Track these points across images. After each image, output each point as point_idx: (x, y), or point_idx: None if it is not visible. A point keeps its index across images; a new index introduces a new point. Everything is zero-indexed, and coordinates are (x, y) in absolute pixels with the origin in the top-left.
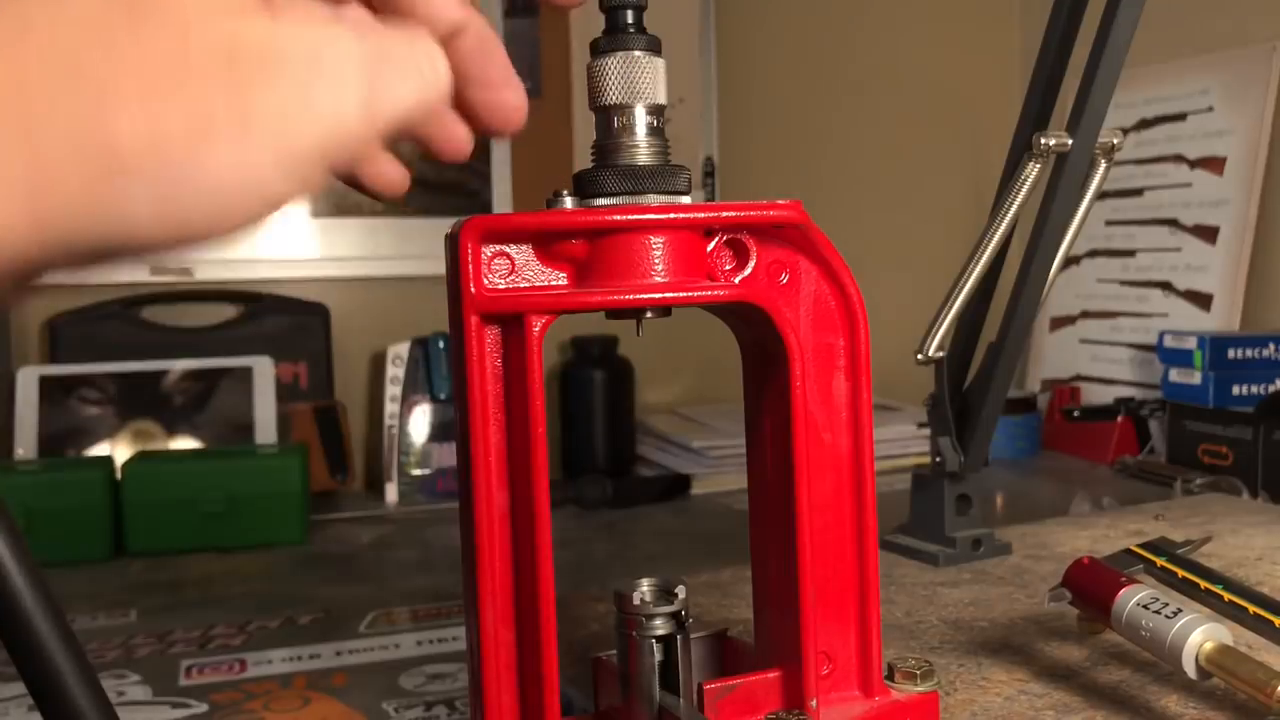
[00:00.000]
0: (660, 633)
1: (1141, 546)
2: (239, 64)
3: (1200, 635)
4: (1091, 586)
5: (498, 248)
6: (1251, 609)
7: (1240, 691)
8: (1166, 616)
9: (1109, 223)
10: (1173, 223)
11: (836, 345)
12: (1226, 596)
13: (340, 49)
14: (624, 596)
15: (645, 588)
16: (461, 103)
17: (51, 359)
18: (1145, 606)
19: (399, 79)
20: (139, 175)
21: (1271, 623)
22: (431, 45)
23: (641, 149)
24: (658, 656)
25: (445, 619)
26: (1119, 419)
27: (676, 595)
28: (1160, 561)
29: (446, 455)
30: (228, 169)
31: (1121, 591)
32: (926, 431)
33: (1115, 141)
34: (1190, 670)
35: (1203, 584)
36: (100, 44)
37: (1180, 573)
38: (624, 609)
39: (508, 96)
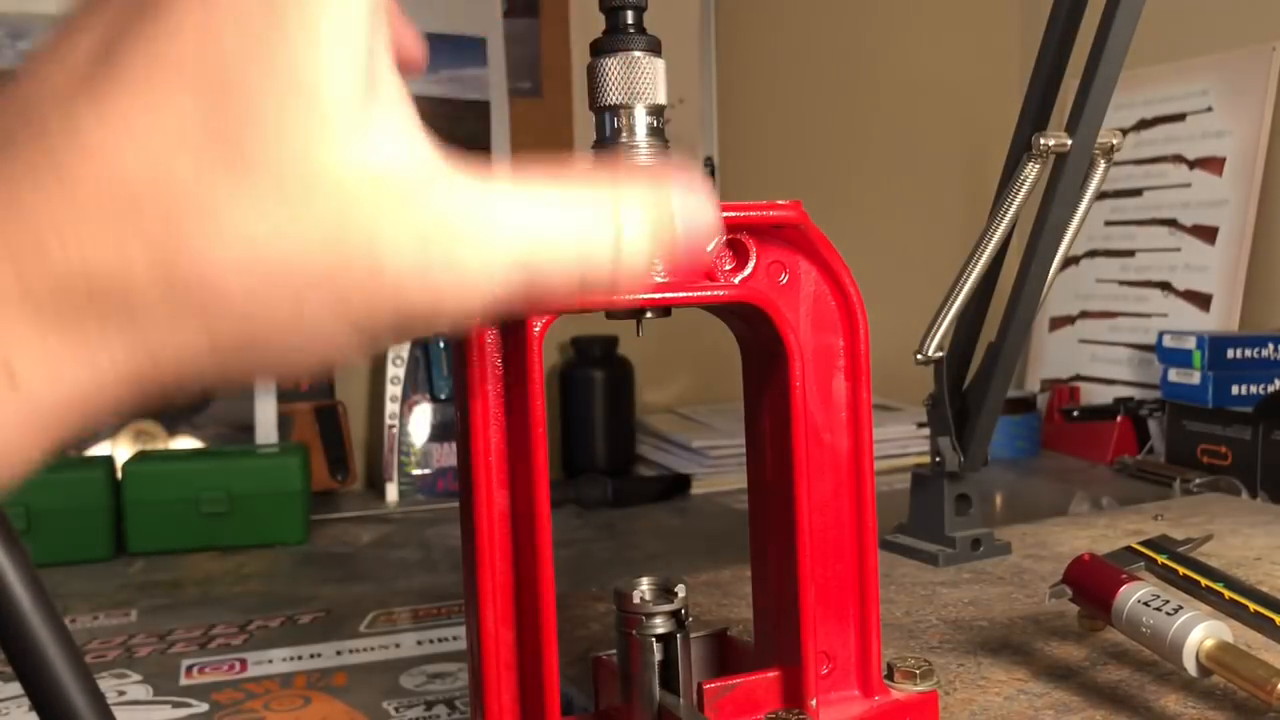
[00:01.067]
0: (660, 632)
1: (1142, 544)
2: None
3: (1201, 632)
4: (1092, 583)
5: None
6: (1252, 607)
7: (1240, 689)
8: (1167, 614)
9: (1108, 223)
10: (1172, 223)
11: (836, 345)
12: (1227, 594)
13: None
14: (624, 595)
15: (645, 587)
16: None
17: None
18: (1146, 604)
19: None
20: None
21: (1272, 620)
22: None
23: (641, 149)
24: (658, 656)
25: (445, 619)
26: (1118, 419)
27: (676, 594)
28: (1161, 559)
29: (446, 455)
30: (300, 344)
31: (1122, 588)
32: (926, 431)
33: (1114, 142)
34: (1191, 667)
35: (1203, 581)
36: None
37: (1181, 570)
38: (624, 608)
39: None
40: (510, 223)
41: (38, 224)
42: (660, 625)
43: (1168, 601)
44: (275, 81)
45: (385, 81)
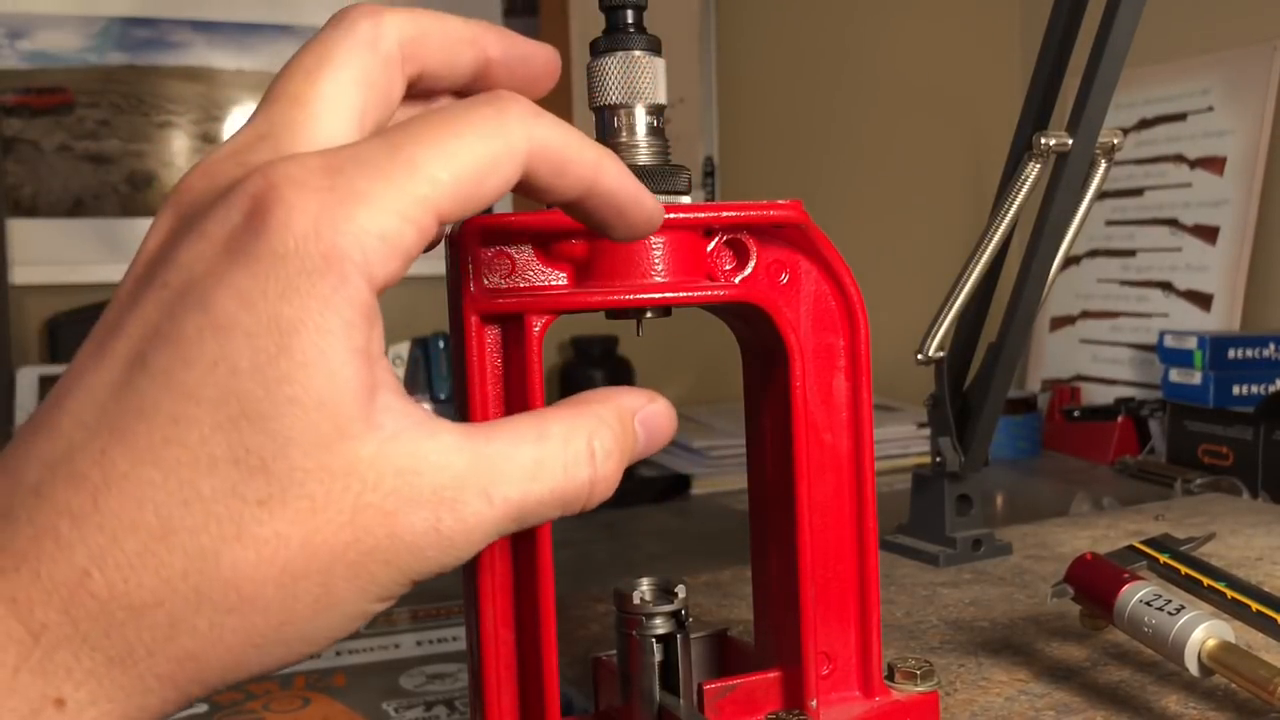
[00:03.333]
0: (660, 632)
1: (1144, 543)
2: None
3: (1203, 632)
4: (1094, 582)
5: (498, 248)
6: (1254, 606)
7: (1242, 689)
8: (1169, 613)
9: (1109, 223)
10: (1173, 223)
11: (836, 345)
12: (1229, 593)
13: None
14: (624, 596)
15: (645, 587)
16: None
17: (51, 359)
18: (1148, 603)
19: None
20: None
21: (1274, 620)
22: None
23: (641, 149)
24: (658, 656)
25: (445, 619)
26: (1119, 419)
27: (676, 595)
28: (1163, 558)
29: None
30: (328, 623)
31: (1124, 588)
32: (926, 431)
33: (1115, 141)
34: (1192, 667)
35: (1205, 581)
36: (231, 524)
37: (1183, 569)
38: (624, 609)
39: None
40: (501, 472)
41: (79, 559)
42: (660, 626)
43: (1170, 601)
44: (290, 399)
45: (380, 369)
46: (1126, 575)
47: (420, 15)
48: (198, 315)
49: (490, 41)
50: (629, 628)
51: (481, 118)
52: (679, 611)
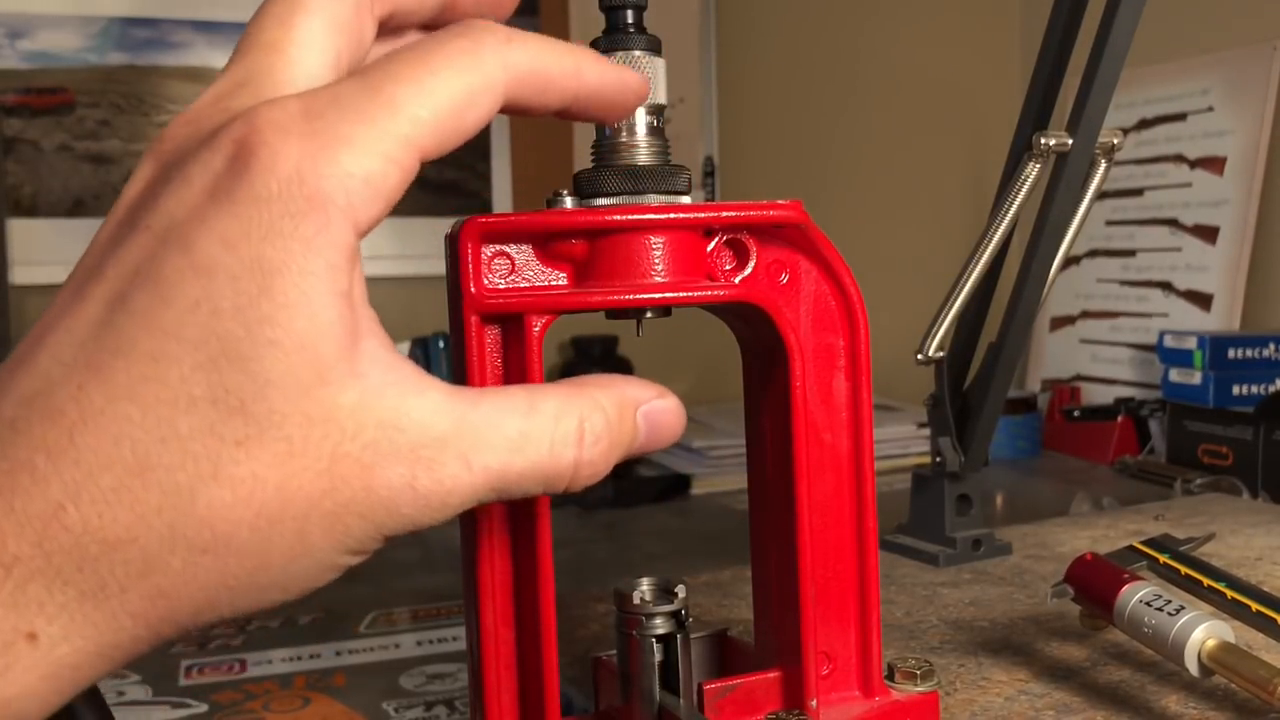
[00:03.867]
0: (660, 632)
1: (1144, 543)
2: (344, 462)
3: (1202, 632)
4: (1094, 583)
5: (498, 248)
6: (1254, 606)
7: (1242, 689)
8: (1169, 614)
9: (1109, 223)
10: (1173, 223)
11: (836, 345)
12: (1229, 594)
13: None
14: (624, 596)
15: (645, 587)
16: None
17: None
18: (1148, 603)
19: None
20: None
21: (1274, 620)
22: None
23: (641, 149)
24: (658, 656)
25: (445, 619)
26: (1119, 419)
27: (676, 595)
28: (1163, 558)
29: None
30: (302, 571)
31: (1124, 588)
32: (926, 431)
33: (1115, 141)
34: (1192, 667)
35: (1205, 581)
36: (207, 457)
37: (1183, 570)
38: (624, 608)
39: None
40: (485, 439)
41: (53, 493)
42: (660, 626)
43: (1170, 601)
44: (271, 341)
45: (364, 317)
46: (1126, 575)
47: None
48: (179, 257)
49: None
50: (629, 628)
51: (457, 50)
52: (679, 611)
